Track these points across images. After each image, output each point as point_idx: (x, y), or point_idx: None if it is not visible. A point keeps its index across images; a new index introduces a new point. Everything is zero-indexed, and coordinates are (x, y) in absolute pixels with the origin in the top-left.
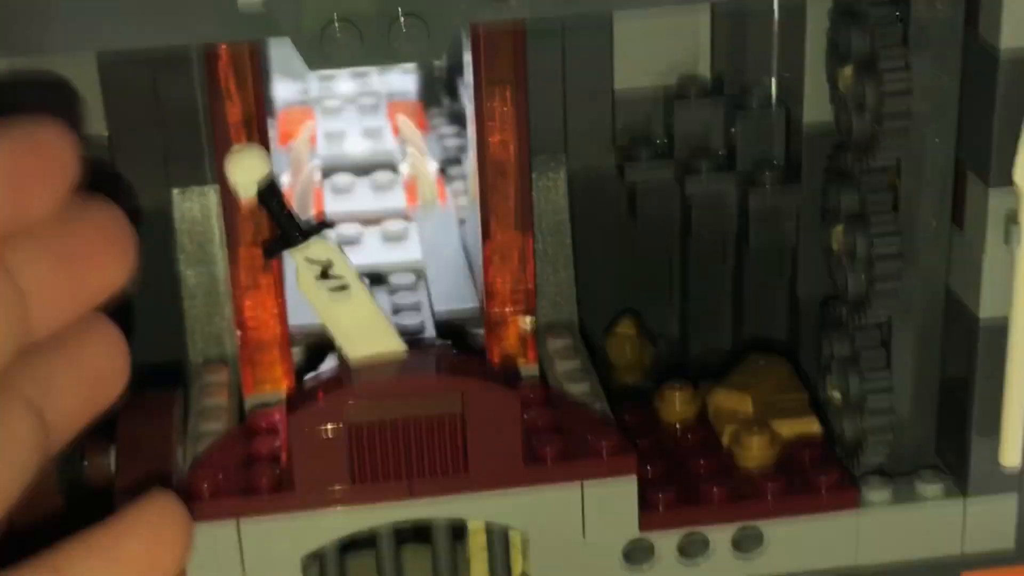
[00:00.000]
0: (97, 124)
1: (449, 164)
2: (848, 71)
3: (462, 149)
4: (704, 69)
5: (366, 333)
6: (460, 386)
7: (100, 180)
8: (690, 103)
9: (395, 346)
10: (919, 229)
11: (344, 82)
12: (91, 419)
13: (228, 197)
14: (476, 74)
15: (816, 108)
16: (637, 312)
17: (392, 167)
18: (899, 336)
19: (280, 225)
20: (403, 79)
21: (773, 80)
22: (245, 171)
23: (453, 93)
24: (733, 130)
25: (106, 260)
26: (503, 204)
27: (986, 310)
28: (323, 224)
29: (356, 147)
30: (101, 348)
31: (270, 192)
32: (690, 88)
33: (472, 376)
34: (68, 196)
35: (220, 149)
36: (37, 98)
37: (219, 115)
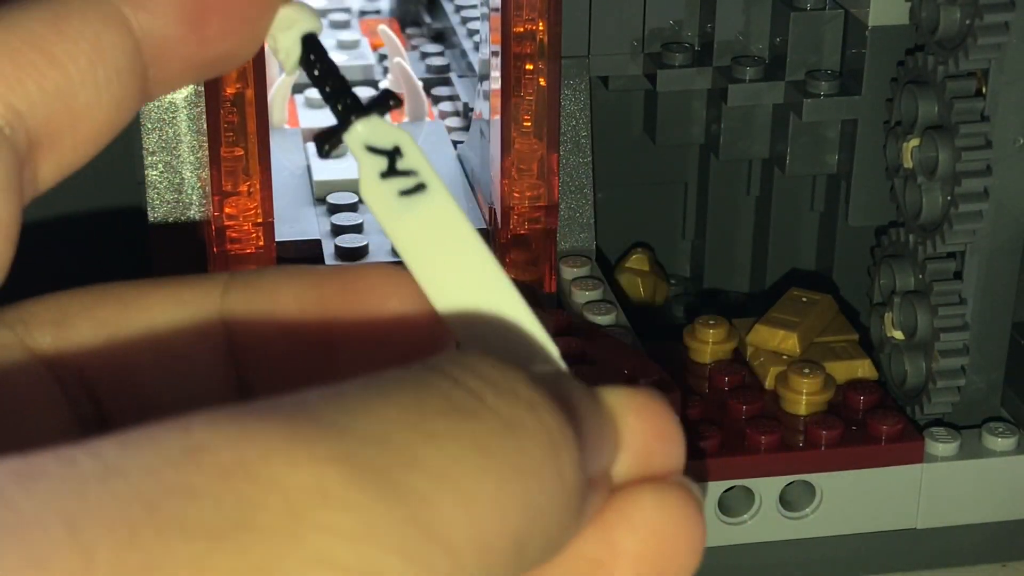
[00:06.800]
0: None
1: (433, 85)
2: None
3: (446, 69)
4: None
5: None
6: None
7: None
8: (735, 2)
9: None
10: (1002, 144)
11: None
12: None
13: (211, 85)
14: None
15: (884, 9)
16: (650, 246)
17: (372, 83)
18: (971, 268)
19: (333, 96)
20: None
21: None
22: (291, 27)
23: (434, 10)
24: (778, 39)
25: None
26: (525, 107)
27: None
28: (387, 95)
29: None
30: None
31: (320, 52)
32: None
33: None
34: None
35: None
36: None
37: None
